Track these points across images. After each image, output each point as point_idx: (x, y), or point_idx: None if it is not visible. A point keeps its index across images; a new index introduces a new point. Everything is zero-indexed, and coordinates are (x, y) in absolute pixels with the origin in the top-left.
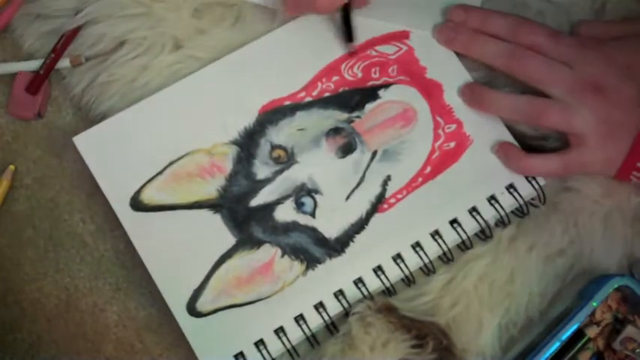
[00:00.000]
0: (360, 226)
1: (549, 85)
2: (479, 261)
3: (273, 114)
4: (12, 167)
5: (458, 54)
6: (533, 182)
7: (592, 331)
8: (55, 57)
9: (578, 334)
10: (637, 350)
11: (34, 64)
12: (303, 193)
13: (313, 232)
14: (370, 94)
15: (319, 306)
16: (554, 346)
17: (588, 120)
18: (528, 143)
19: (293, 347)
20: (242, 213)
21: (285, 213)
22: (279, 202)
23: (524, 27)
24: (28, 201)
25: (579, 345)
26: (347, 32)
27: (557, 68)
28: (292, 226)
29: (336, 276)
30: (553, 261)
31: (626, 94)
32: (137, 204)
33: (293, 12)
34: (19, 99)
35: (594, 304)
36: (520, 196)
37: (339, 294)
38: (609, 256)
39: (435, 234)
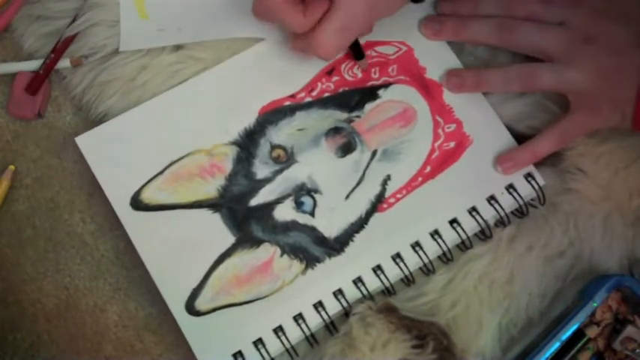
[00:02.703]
0: (359, 225)
1: (544, 47)
2: (479, 261)
3: (273, 114)
4: (12, 167)
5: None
6: (533, 182)
7: (592, 331)
8: (54, 57)
9: (579, 334)
10: (637, 350)
11: (34, 64)
12: (303, 193)
13: (313, 232)
14: (370, 93)
15: (318, 305)
16: (555, 347)
17: (584, 74)
18: None
19: (292, 346)
20: (242, 212)
21: (285, 212)
22: (278, 201)
23: (516, 0)
24: (28, 201)
25: (579, 345)
26: (355, 51)
27: (548, 30)
28: (292, 226)
29: (336, 275)
30: (553, 261)
31: (618, 37)
32: (137, 203)
33: (296, 51)
34: (19, 99)
35: (594, 304)
36: (520, 196)
37: (339, 293)
38: (609, 257)
39: (435, 234)
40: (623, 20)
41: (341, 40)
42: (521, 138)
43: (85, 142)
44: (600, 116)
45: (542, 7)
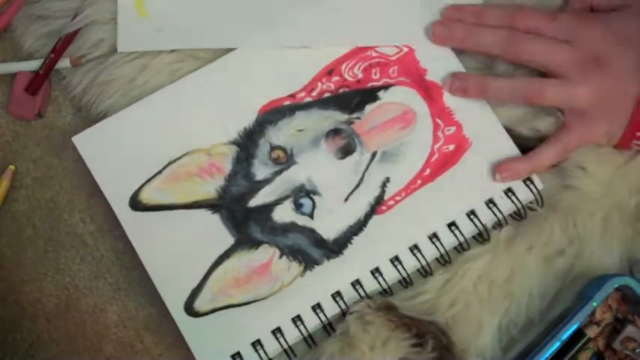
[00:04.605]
0: (358, 227)
1: (550, 64)
2: (477, 260)
3: (273, 114)
4: (12, 167)
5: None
6: (531, 186)
7: (592, 331)
8: (54, 57)
9: (578, 334)
10: (637, 350)
11: (34, 64)
12: (302, 194)
13: (311, 233)
14: (370, 95)
15: (317, 307)
16: (555, 346)
17: (589, 94)
18: (526, 145)
19: (290, 348)
20: (241, 213)
21: (284, 214)
22: (277, 202)
23: (520, 13)
24: (28, 201)
25: (579, 345)
26: None
27: (555, 47)
28: (291, 227)
29: (334, 277)
30: (553, 261)
31: (626, 62)
32: (136, 203)
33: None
34: (19, 99)
35: (594, 304)
36: (518, 199)
37: (337, 295)
38: (609, 257)
39: (433, 237)
40: (630, 44)
41: None
42: (520, 140)
43: (82, 141)
44: (594, 134)
45: (548, 23)
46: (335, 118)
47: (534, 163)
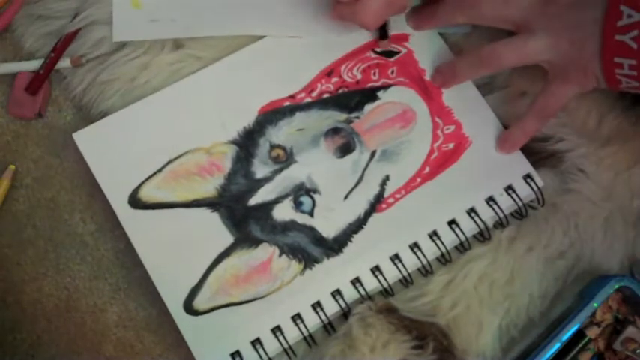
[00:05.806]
0: (358, 225)
1: (508, 16)
2: (479, 261)
3: (273, 114)
4: (12, 167)
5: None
6: (532, 184)
7: (592, 332)
8: (54, 57)
9: (579, 334)
10: (637, 351)
11: (34, 64)
12: (302, 193)
13: (311, 232)
14: (369, 94)
15: (316, 305)
16: (555, 347)
17: (545, 40)
18: (528, 145)
19: (290, 347)
20: (240, 212)
21: (284, 212)
22: (277, 201)
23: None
24: (28, 201)
25: (580, 346)
26: (382, 30)
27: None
28: (290, 226)
29: (334, 276)
30: (553, 262)
31: None
32: (136, 201)
33: (336, 17)
34: (19, 99)
35: (595, 304)
36: (518, 197)
37: (337, 294)
38: (610, 258)
39: (434, 235)
40: None
41: (385, 12)
42: None
43: (83, 138)
44: (571, 83)
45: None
46: (334, 117)
47: (524, 130)
